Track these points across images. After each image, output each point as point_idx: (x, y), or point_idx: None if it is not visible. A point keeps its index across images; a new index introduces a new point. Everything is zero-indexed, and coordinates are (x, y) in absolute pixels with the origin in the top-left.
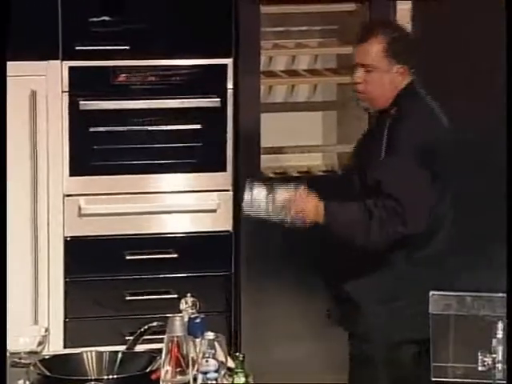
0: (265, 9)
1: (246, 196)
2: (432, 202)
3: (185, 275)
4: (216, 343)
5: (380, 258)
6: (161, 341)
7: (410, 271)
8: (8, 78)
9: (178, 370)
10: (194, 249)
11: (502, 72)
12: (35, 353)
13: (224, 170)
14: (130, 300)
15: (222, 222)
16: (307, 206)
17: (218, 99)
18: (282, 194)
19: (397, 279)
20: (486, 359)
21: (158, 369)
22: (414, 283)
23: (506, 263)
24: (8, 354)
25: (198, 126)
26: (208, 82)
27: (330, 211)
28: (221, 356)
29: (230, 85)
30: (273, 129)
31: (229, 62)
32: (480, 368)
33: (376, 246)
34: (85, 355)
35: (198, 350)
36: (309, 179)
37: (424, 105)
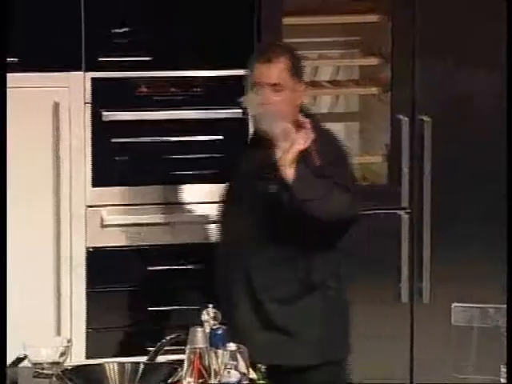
0: (287, 20)
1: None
2: None
3: (206, 286)
4: (238, 354)
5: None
6: (182, 352)
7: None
8: (31, 90)
9: (200, 381)
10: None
11: None
12: (58, 364)
13: None
14: (151, 311)
15: None
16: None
17: (240, 110)
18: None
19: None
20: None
21: (179, 380)
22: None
23: (506, 262)
24: (30, 365)
25: (220, 137)
26: (229, 92)
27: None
28: (243, 367)
29: None
30: None
31: None
32: (502, 380)
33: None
34: (107, 366)
35: (219, 362)
36: None
37: (317, 119)
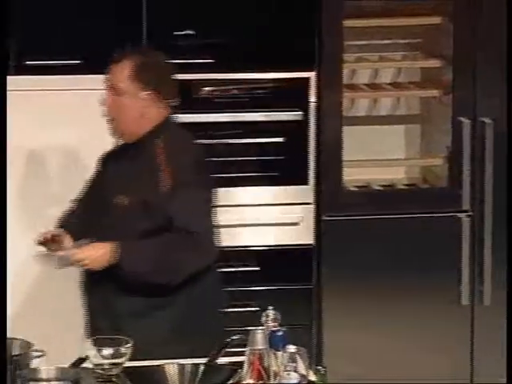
0: (348, 22)
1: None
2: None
3: (267, 288)
4: (297, 356)
5: None
6: (242, 354)
7: None
8: (88, 92)
9: (260, 382)
10: (276, 262)
11: None
12: (118, 364)
13: (306, 183)
14: None
15: (305, 236)
16: (95, 254)
17: (301, 112)
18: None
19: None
20: None
21: (239, 381)
22: None
23: (506, 263)
24: (92, 366)
25: (281, 140)
26: (291, 95)
27: (126, 251)
28: (302, 369)
29: (312, 98)
30: (355, 142)
31: (312, 75)
32: None
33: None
34: (167, 367)
35: (279, 363)
36: (392, 193)
37: (188, 137)
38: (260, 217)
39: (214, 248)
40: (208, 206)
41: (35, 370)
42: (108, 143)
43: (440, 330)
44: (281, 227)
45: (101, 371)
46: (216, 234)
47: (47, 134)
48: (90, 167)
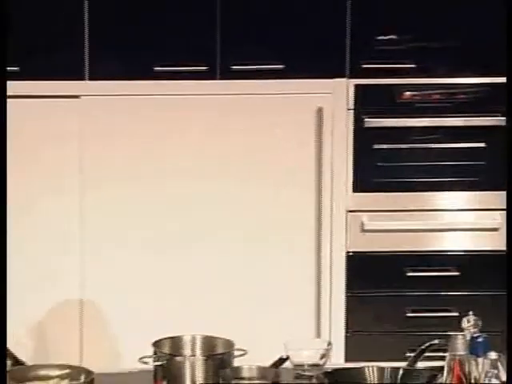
0: None
1: None
2: None
3: (465, 293)
4: (499, 363)
5: None
6: (441, 358)
7: None
8: (295, 96)
9: None
10: (475, 267)
11: None
12: (318, 366)
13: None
14: (410, 317)
15: (504, 242)
16: None
17: (503, 118)
18: None
19: None
20: None
21: None
22: None
23: (506, 262)
24: (292, 366)
25: (482, 145)
26: (492, 100)
27: None
28: (503, 376)
29: None
30: None
31: None
32: None
33: None
34: (366, 370)
35: (480, 370)
36: None
37: None
38: (458, 222)
39: None
40: None
41: (237, 369)
42: None
43: None
44: (480, 232)
45: (301, 372)
46: None
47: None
48: None
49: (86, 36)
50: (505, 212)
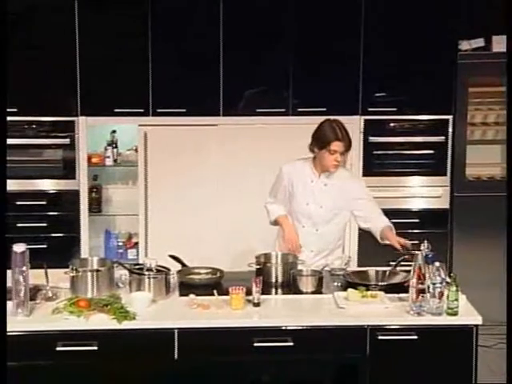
0: None
1: None
2: None
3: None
4: (440, 268)
5: None
6: (409, 266)
7: None
8: None
9: (419, 281)
10: (429, 219)
11: None
12: (343, 269)
13: None
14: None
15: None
16: None
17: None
18: None
19: None
20: None
21: (408, 280)
22: None
23: (506, 262)
24: (329, 269)
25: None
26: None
27: None
28: (443, 274)
29: None
30: None
31: None
32: None
33: None
34: (369, 272)
35: (430, 272)
36: None
37: None
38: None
39: None
40: None
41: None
42: None
43: None
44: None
45: (334, 272)
46: None
47: None
48: None
49: (221, 82)
50: None
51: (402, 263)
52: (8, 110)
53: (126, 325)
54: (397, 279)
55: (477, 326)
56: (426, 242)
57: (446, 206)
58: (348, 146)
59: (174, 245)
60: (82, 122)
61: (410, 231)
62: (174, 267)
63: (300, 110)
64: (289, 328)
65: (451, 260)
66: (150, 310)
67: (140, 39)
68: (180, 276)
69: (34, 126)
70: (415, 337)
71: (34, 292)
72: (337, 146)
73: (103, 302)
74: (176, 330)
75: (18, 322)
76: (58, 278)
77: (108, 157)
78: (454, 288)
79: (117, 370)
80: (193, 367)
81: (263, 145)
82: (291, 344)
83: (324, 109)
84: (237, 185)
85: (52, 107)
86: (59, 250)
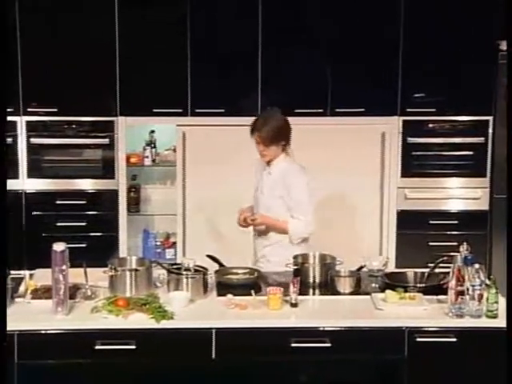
0: None
1: None
2: None
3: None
4: (480, 270)
5: None
6: (448, 267)
7: None
8: (369, 126)
9: (459, 283)
10: (466, 219)
11: None
12: (381, 270)
13: None
14: (432, 245)
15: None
16: None
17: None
18: None
19: None
20: None
21: (447, 281)
22: None
23: (506, 261)
24: (367, 270)
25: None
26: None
27: None
28: (482, 277)
29: None
30: None
31: None
32: None
33: None
34: (408, 273)
35: (469, 273)
36: None
37: None
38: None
39: None
40: None
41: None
42: None
43: None
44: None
45: (372, 273)
46: None
47: None
48: None
49: (259, 82)
50: None
51: (441, 265)
52: (49, 110)
53: (164, 324)
54: (435, 281)
55: None
56: (465, 243)
57: (486, 207)
58: (265, 138)
59: (211, 245)
60: (121, 122)
61: (448, 233)
62: (212, 267)
63: (338, 110)
64: (326, 329)
65: (490, 262)
66: (188, 310)
67: (179, 39)
68: (217, 276)
69: (73, 126)
70: (454, 339)
71: (74, 291)
72: (256, 136)
73: (141, 302)
74: (214, 330)
75: (58, 321)
76: (97, 277)
77: (147, 157)
78: (493, 290)
79: (154, 369)
80: (230, 367)
81: (301, 145)
82: (329, 345)
83: (362, 109)
84: None
85: (92, 107)
86: (98, 249)
